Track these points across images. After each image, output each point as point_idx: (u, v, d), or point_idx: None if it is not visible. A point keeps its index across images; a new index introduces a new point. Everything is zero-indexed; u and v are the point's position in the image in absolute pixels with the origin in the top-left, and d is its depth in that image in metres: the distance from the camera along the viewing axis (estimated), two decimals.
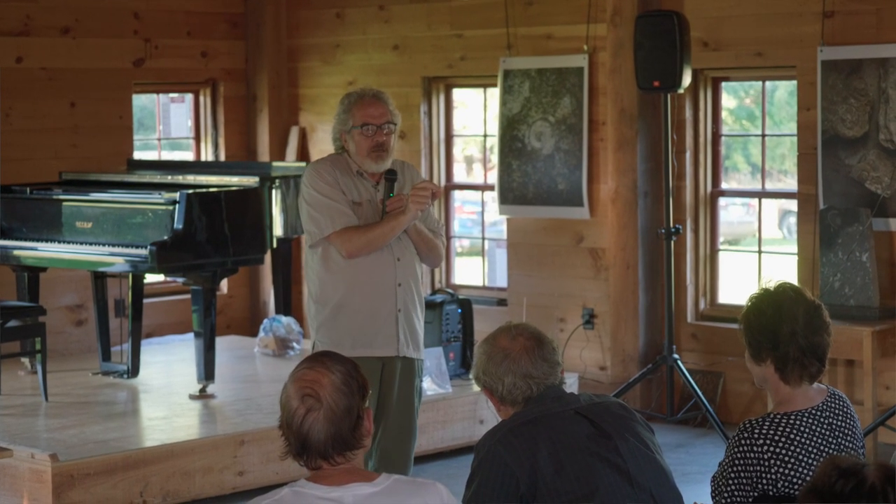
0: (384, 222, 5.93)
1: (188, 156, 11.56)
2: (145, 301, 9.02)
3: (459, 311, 8.97)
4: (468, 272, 11.46)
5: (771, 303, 4.14)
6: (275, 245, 9.36)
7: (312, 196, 5.96)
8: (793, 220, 10.64)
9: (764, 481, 4.01)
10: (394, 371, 5.98)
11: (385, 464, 5.91)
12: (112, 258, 8.49)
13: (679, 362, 8.75)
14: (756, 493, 4.03)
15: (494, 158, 10.18)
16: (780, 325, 4.10)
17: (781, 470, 4.00)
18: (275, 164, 10.26)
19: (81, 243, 8.68)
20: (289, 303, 10.09)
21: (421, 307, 6.13)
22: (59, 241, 8.80)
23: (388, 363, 5.97)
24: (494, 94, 10.14)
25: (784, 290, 4.17)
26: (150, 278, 9.97)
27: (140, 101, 11.47)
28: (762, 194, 9.81)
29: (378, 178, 6.02)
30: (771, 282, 4.23)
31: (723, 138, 9.54)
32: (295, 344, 9.73)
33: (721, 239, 9.58)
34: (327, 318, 5.98)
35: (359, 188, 6.00)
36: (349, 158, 6.02)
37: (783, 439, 4.03)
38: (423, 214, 6.03)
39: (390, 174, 5.99)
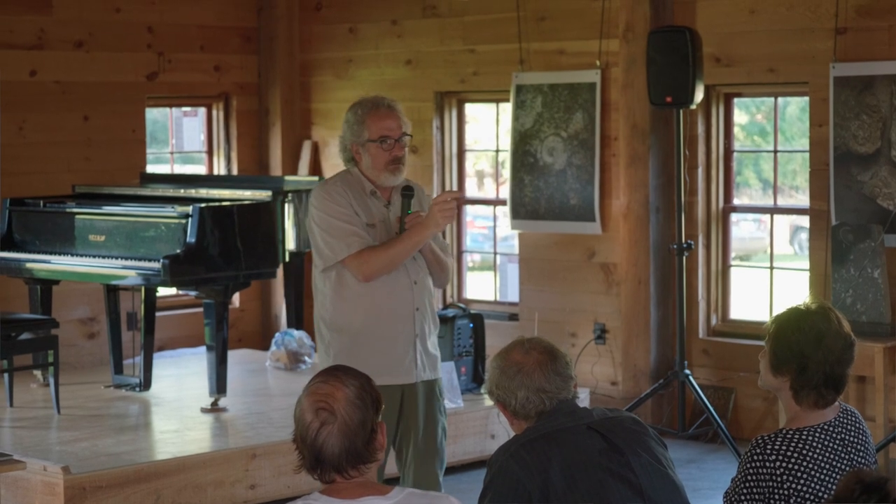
0: (405, 238, 5.70)
1: (201, 170, 11.58)
2: (157, 314, 9.04)
3: (471, 325, 8.97)
4: (480, 287, 11.47)
5: (813, 327, 4.10)
6: (287, 259, 9.37)
7: (324, 219, 5.75)
8: (804, 236, 10.65)
9: (776, 497, 4.01)
10: (415, 396, 5.83)
11: (420, 484, 5.85)
12: (125, 271, 8.51)
13: (690, 378, 8.75)
14: None
15: (506, 173, 10.19)
16: (814, 353, 4.08)
17: (794, 486, 4.00)
18: (287, 178, 10.28)
19: (94, 256, 8.70)
20: (301, 317, 10.10)
21: (436, 326, 5.97)
22: (72, 255, 8.82)
23: (408, 389, 5.82)
24: (507, 108, 10.16)
25: (829, 318, 4.12)
26: (163, 291, 9.99)
27: (153, 114, 11.51)
28: (774, 210, 9.81)
29: (389, 196, 5.85)
30: (813, 301, 4.20)
31: (735, 154, 9.54)
32: (307, 358, 9.74)
33: (733, 255, 9.58)
34: (344, 347, 5.77)
35: (371, 209, 5.80)
36: (361, 176, 5.82)
37: (795, 455, 4.03)
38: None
39: (407, 190, 5.79)
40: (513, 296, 10.49)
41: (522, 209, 9.91)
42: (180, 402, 8.81)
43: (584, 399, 9.05)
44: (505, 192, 10.26)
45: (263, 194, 8.90)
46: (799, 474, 4.02)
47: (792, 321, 4.14)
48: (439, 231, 5.77)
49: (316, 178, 9.82)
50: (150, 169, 11.00)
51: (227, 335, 8.50)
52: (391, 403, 5.78)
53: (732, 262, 9.55)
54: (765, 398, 8.88)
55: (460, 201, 5.85)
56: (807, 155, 9.00)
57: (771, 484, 4.02)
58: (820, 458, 4.06)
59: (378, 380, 5.69)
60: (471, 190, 11.22)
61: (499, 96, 10.32)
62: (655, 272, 9.34)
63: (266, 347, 10.45)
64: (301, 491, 7.11)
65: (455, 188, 10.56)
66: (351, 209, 5.74)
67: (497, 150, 10.74)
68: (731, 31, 9.04)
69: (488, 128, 11.01)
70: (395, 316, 5.79)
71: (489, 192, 12.00)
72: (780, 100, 9.66)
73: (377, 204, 5.83)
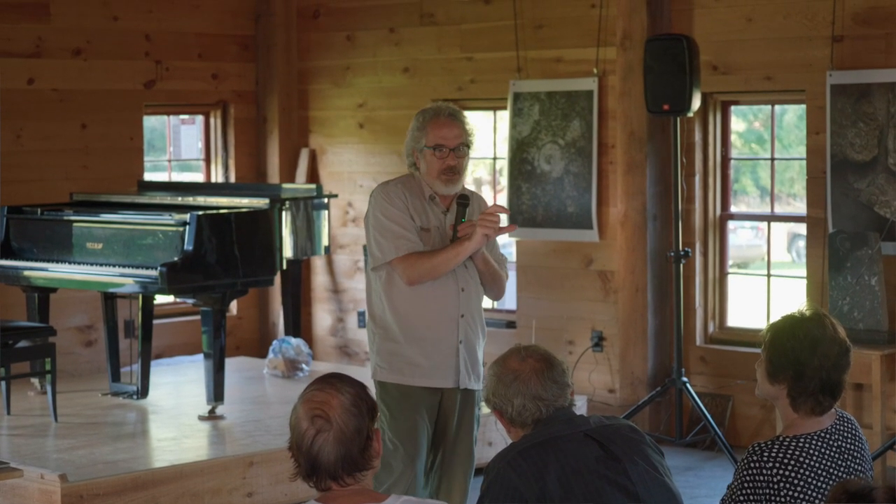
0: (449, 248, 5.74)
1: (198, 177, 11.59)
2: (155, 322, 9.03)
3: None
4: None
5: (808, 333, 4.10)
6: (284, 266, 9.37)
7: (378, 220, 5.79)
8: (802, 243, 10.65)
9: None
10: (454, 401, 5.87)
11: (446, 491, 5.88)
12: (122, 279, 8.51)
13: (688, 385, 8.75)
14: None
15: (504, 181, 10.20)
16: (810, 359, 4.08)
17: (790, 493, 4.00)
18: (285, 185, 10.28)
19: (92, 264, 8.70)
20: (298, 324, 10.10)
21: (483, 337, 5.97)
22: (70, 262, 8.82)
23: (447, 393, 5.85)
24: (504, 116, 10.16)
25: (824, 323, 4.12)
26: (160, 299, 9.99)
27: (151, 122, 11.51)
28: (771, 218, 9.82)
29: (448, 203, 5.86)
30: (808, 308, 4.21)
31: (732, 162, 9.55)
32: (304, 365, 9.74)
33: (730, 262, 9.58)
34: (388, 345, 5.84)
35: (429, 213, 5.83)
36: (422, 180, 5.85)
37: (792, 462, 4.03)
38: (488, 246, 5.87)
39: (463, 199, 5.81)
40: (510, 303, 10.48)
41: (520, 217, 9.91)
42: (178, 410, 8.80)
43: (581, 407, 9.05)
44: (502, 199, 10.26)
45: (261, 202, 8.90)
46: (795, 482, 4.02)
47: (787, 329, 4.14)
48: (480, 244, 5.76)
49: (313, 186, 9.83)
50: (148, 177, 11.00)
51: (224, 343, 8.50)
52: (432, 404, 5.83)
53: (730, 270, 9.55)
54: (762, 406, 8.88)
55: (505, 229, 5.86)
56: (804, 163, 9.00)
57: (767, 491, 4.02)
58: (816, 465, 4.06)
59: (418, 381, 5.79)
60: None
61: (496, 104, 10.32)
62: (653, 280, 9.35)
63: (263, 355, 10.45)
64: (298, 498, 7.11)
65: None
66: (406, 212, 5.78)
67: (494, 158, 10.75)
68: (729, 39, 9.05)
69: (486, 135, 11.02)
70: (439, 320, 5.83)
71: (487, 200, 12.00)
72: (778, 108, 9.67)
73: (435, 210, 5.86)
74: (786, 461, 4.03)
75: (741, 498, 4.05)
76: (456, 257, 5.75)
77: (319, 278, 11.31)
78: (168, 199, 9.45)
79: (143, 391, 8.87)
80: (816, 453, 4.07)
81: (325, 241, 9.70)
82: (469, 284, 5.89)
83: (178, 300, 10.09)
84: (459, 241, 5.75)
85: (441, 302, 5.83)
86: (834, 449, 4.11)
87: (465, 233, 5.75)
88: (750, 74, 9.00)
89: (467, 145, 5.85)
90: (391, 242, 5.76)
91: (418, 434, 5.80)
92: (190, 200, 9.28)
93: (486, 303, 10.72)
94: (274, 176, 11.26)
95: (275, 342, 9.93)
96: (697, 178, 9.32)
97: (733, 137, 9.72)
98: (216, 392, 8.45)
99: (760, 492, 4.02)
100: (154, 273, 8.26)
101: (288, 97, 11.28)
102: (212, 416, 8.42)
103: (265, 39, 11.28)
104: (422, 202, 5.84)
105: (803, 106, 8.95)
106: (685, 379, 8.80)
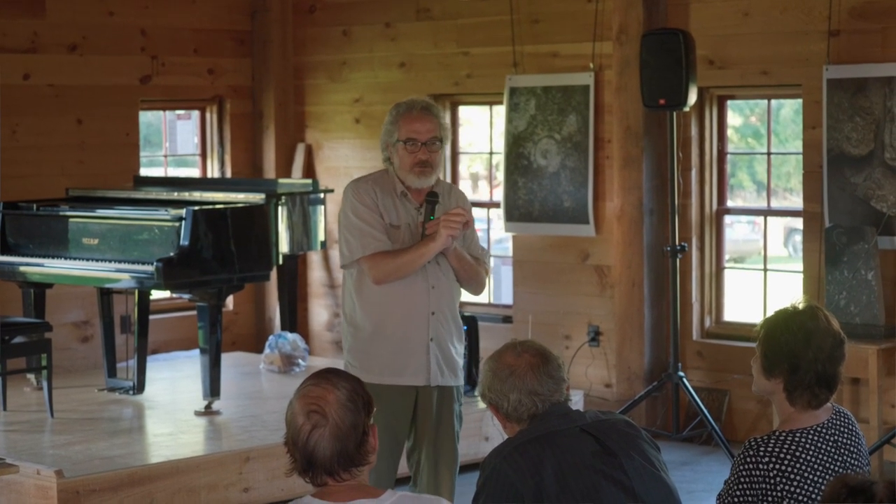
0: (414, 248, 5.71)
1: (194, 173, 11.58)
2: (151, 317, 9.03)
3: (465, 328, 8.93)
4: None
5: (801, 326, 4.11)
6: (280, 262, 9.37)
7: (347, 218, 5.77)
8: (798, 238, 10.65)
9: (769, 499, 4.01)
10: (430, 399, 5.84)
11: (433, 488, 5.85)
12: (118, 274, 8.50)
13: (684, 380, 8.75)
14: None
15: (500, 176, 10.19)
16: (805, 352, 4.08)
17: (787, 488, 4.00)
18: (281, 181, 10.28)
19: (88, 259, 8.69)
20: (294, 319, 10.10)
21: (458, 333, 5.94)
22: (66, 258, 8.81)
23: (423, 391, 5.82)
24: (500, 111, 10.16)
25: (817, 316, 4.13)
26: (156, 295, 9.99)
27: (147, 117, 11.50)
28: (768, 212, 9.81)
29: (422, 200, 5.82)
30: (801, 301, 4.21)
31: (728, 156, 9.55)
32: (300, 360, 9.73)
33: (726, 257, 9.58)
34: (359, 343, 5.82)
35: (399, 210, 5.79)
36: (395, 176, 5.80)
37: (788, 457, 4.03)
38: (466, 240, 5.86)
39: (431, 196, 5.79)
40: (507, 298, 10.49)
41: (516, 212, 9.91)
42: (174, 406, 8.80)
43: (578, 401, 9.05)
44: (499, 194, 10.26)
45: (257, 197, 8.90)
46: (792, 476, 4.02)
47: (780, 322, 4.14)
48: (444, 244, 5.72)
49: (309, 181, 9.82)
50: (144, 172, 10.99)
51: (220, 338, 8.50)
52: (405, 403, 5.80)
53: (726, 265, 9.55)
54: (759, 400, 8.88)
55: (468, 224, 5.82)
56: (800, 157, 9.00)
57: (764, 486, 4.02)
58: (813, 459, 4.06)
59: (388, 379, 5.77)
60: (465, 192, 11.19)
61: (492, 99, 10.32)
62: (649, 274, 9.34)
63: (260, 350, 10.45)
64: (295, 494, 7.10)
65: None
66: (376, 210, 5.75)
67: (491, 153, 10.74)
68: (725, 34, 9.05)
69: (482, 130, 11.01)
70: (408, 318, 5.79)
71: (483, 194, 12.00)
72: (774, 102, 9.66)
73: (407, 206, 5.82)
74: (782, 456, 4.03)
75: (737, 492, 4.05)
76: (421, 257, 5.72)
77: (316, 273, 11.31)
78: (164, 195, 9.44)
79: (140, 387, 8.87)
80: (813, 448, 4.07)
81: (321, 236, 9.70)
82: (440, 281, 5.84)
83: (174, 295, 10.10)
84: (425, 240, 5.71)
85: (410, 300, 5.79)
86: (830, 444, 4.11)
87: (433, 230, 5.71)
88: (746, 69, 9.00)
89: (440, 139, 5.78)
90: (358, 241, 5.73)
91: (384, 434, 5.76)
92: (186, 196, 9.27)
93: (482, 297, 10.75)
94: (270, 171, 11.26)
95: (271, 337, 9.93)
96: (694, 173, 9.32)
97: (729, 132, 9.71)
98: (212, 387, 8.44)
99: (757, 486, 4.02)
100: (150, 268, 8.26)
101: (284, 92, 11.27)
102: (208, 412, 8.41)
103: (261, 34, 11.27)
104: (392, 199, 5.80)
105: (800, 100, 8.95)
106: (682, 374, 8.80)
